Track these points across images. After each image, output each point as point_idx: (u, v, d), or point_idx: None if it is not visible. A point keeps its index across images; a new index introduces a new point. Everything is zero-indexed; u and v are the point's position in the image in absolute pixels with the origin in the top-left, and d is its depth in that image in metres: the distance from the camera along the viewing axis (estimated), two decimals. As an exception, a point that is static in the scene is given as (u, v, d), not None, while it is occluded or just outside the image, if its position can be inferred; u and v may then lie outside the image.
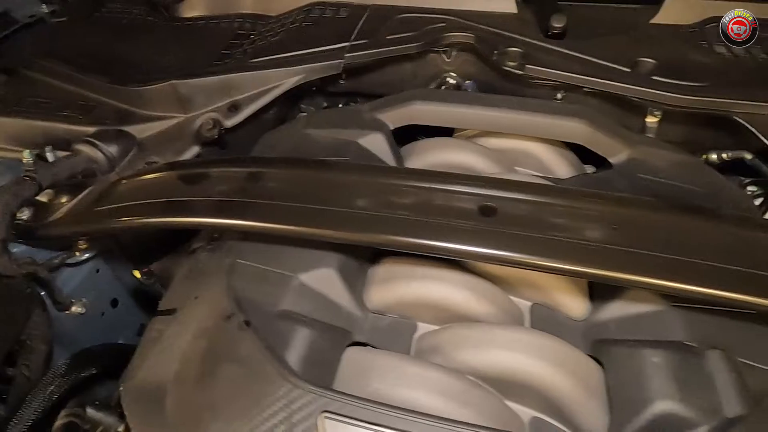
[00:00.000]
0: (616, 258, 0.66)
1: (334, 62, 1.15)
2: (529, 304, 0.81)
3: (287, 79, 1.15)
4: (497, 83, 1.22)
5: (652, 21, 1.23)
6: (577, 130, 1.00)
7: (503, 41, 1.17)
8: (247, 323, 0.66)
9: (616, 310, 0.75)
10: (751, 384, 0.62)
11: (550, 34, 1.21)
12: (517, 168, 1.09)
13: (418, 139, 1.16)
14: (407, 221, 0.73)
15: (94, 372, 0.96)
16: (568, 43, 1.17)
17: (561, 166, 1.08)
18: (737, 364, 0.63)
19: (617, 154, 1.00)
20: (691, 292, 0.63)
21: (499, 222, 0.72)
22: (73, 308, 1.05)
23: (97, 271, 1.13)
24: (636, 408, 0.62)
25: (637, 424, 0.61)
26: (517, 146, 1.10)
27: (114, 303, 1.20)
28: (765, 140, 0.97)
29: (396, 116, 1.07)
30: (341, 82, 1.37)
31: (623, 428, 0.62)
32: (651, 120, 1.15)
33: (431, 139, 1.11)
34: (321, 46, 1.19)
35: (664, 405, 0.60)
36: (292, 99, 1.43)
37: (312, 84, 1.41)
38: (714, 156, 1.14)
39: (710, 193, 0.92)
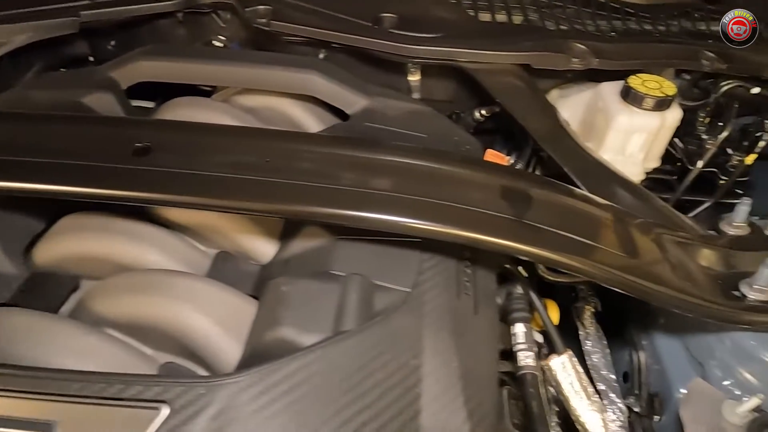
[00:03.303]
0: (256, 188, 0.64)
1: (67, 19, 1.06)
2: (216, 252, 0.77)
3: (13, 37, 1.05)
4: (265, 45, 1.19)
5: (415, -19, 1.25)
6: (310, 82, 0.99)
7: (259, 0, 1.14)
8: None
9: (292, 248, 0.74)
10: (379, 303, 0.62)
11: (311, -8, 1.20)
12: (270, 127, 1.06)
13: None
14: (51, 166, 0.67)
15: None
16: (324, 1, 1.17)
17: (312, 122, 1.06)
18: (370, 286, 0.63)
19: (353, 105, 1.00)
20: (317, 214, 0.62)
21: (152, 161, 0.68)
22: None
23: None
24: (258, 338, 0.60)
25: (256, 353, 0.59)
26: (269, 104, 1.07)
27: None
28: (487, 89, 1.01)
29: (126, 74, 1.00)
30: (110, 48, 1.29)
31: (249, 359, 0.59)
32: (412, 78, 1.17)
33: (178, 98, 1.06)
34: (58, 4, 1.10)
35: (275, 332, 0.58)
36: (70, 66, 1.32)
37: (82, 51, 1.32)
38: (477, 113, 1.19)
39: (435, 139, 0.93)
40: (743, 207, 0.83)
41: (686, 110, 1.15)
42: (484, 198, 0.68)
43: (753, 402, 0.65)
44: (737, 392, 0.71)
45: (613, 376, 0.95)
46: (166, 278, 0.65)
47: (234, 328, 0.63)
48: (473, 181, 0.71)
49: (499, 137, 1.28)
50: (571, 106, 1.15)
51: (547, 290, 0.98)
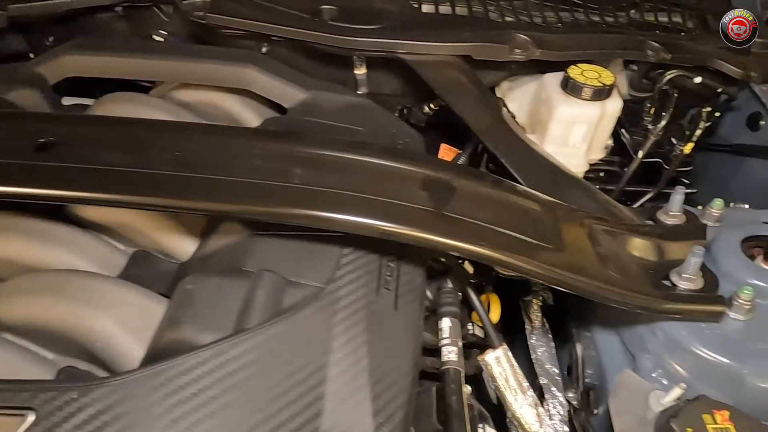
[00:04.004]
0: (159, 182, 0.62)
1: (-6, 14, 1.03)
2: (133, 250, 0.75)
3: (-65, 33, 1.01)
4: (208, 40, 1.16)
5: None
6: (245, 76, 0.96)
7: (197, -8, 1.11)
8: None
9: (210, 245, 0.71)
10: (289, 299, 0.60)
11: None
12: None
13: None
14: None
15: None
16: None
17: (251, 117, 1.03)
18: (281, 282, 0.61)
19: (291, 99, 0.97)
20: (229, 211, 0.60)
21: (54, 157, 0.65)
22: None
23: None
24: (159, 339, 0.57)
25: (155, 355, 0.56)
26: (207, 99, 1.04)
27: None
28: (427, 81, 0.99)
29: (54, 69, 0.97)
30: (48, 44, 1.25)
31: (148, 361, 0.57)
32: (359, 72, 1.15)
33: (111, 94, 1.02)
34: (-14, -2, 1.06)
35: (173, 332, 0.56)
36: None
37: (20, 47, 1.27)
38: (425, 107, 1.17)
39: (373, 132, 0.91)
40: (677, 196, 0.82)
41: (634, 101, 1.15)
42: (401, 189, 0.66)
43: (676, 392, 0.64)
44: (665, 382, 0.70)
45: (557, 370, 0.93)
46: (68, 279, 0.62)
47: (139, 330, 0.60)
48: (391, 172, 0.69)
49: (456, 131, 1.27)
50: (519, 97, 1.14)
51: (504, 285, 0.97)
